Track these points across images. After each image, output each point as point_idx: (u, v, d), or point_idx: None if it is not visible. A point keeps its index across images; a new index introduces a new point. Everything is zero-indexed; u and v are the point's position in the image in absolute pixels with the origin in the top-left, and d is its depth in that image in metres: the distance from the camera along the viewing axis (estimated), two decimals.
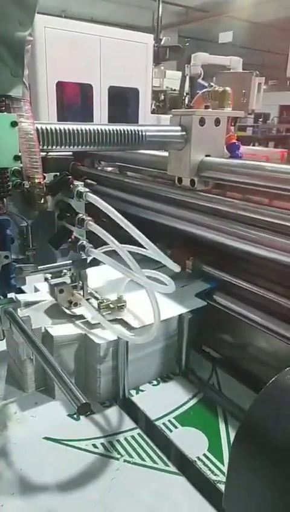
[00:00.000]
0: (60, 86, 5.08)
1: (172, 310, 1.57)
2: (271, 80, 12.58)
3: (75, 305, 1.56)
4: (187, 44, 7.22)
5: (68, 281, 1.58)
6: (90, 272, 1.66)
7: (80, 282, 1.56)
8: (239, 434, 0.72)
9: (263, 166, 1.51)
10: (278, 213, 1.46)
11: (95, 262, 1.74)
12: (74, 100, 5.56)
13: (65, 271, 1.58)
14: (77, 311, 1.55)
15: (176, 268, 1.50)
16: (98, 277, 1.74)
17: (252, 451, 0.69)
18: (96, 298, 1.58)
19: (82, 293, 1.57)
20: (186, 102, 7.05)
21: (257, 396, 0.73)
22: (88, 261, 1.56)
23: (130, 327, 1.47)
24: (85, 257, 1.49)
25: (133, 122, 5.72)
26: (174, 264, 1.47)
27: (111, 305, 1.53)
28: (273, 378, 0.73)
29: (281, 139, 10.61)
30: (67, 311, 1.55)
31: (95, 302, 1.56)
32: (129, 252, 1.32)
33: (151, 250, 1.36)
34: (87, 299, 1.58)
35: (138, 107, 5.80)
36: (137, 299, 1.57)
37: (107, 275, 1.75)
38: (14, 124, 1.14)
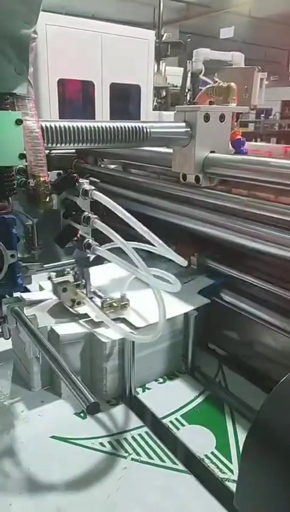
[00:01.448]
0: (62, 83, 5.07)
1: (177, 308, 1.55)
2: (273, 75, 12.52)
3: (78, 303, 1.54)
4: (189, 40, 7.16)
5: (71, 279, 1.57)
6: (94, 270, 1.64)
7: (83, 280, 1.55)
8: (251, 434, 0.71)
9: (268, 162, 1.50)
10: (284, 209, 1.45)
11: (98, 261, 1.73)
12: (76, 97, 5.54)
13: (68, 269, 1.57)
14: (80, 310, 1.54)
15: (183, 262, 1.49)
16: (101, 276, 1.73)
17: (264, 451, 0.68)
18: (100, 297, 1.57)
19: (85, 292, 1.56)
20: (188, 98, 7.01)
21: (269, 396, 0.73)
22: (91, 259, 1.55)
23: (133, 327, 1.46)
24: (88, 255, 1.48)
25: (135, 118, 5.69)
26: (181, 258, 1.46)
27: (114, 304, 1.52)
28: (284, 378, 0.72)
29: (283, 135, 10.55)
30: (71, 310, 1.54)
31: (98, 301, 1.54)
32: (135, 249, 1.32)
33: (158, 246, 1.35)
34: (91, 298, 1.56)
35: (140, 103, 5.78)
36: (141, 297, 1.57)
37: (111, 274, 1.74)
38: (19, 122, 1.13)
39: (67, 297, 1.54)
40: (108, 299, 1.53)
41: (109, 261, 1.40)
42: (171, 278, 1.51)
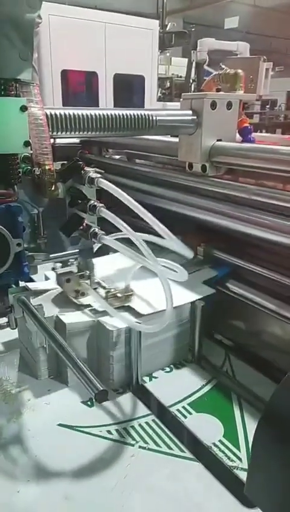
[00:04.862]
0: (65, 74, 5.03)
1: (183, 297, 1.54)
2: (278, 66, 12.36)
3: (82, 294, 1.54)
4: (193, 29, 7.09)
5: (75, 270, 1.56)
6: (99, 261, 1.63)
7: (87, 271, 1.55)
8: (262, 422, 0.71)
9: (277, 150, 1.48)
10: None
11: (102, 252, 1.73)
12: (79, 88, 5.51)
13: (72, 260, 1.57)
14: (84, 300, 1.54)
15: (190, 254, 1.46)
16: (106, 266, 1.72)
17: (276, 439, 0.67)
18: (104, 287, 1.56)
19: (89, 283, 1.55)
20: (192, 88, 6.96)
21: (280, 384, 0.72)
22: (95, 249, 1.54)
23: (138, 314, 1.46)
24: (91, 246, 1.46)
25: None
26: (188, 250, 1.44)
27: (118, 295, 1.52)
28: None
29: (288, 126, 10.45)
30: (75, 301, 1.53)
31: (102, 292, 1.54)
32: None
33: (165, 235, 1.31)
34: (95, 289, 1.56)
35: (144, 94, 5.74)
36: (146, 286, 1.56)
37: (116, 265, 1.73)
38: (23, 108, 1.11)
39: (70, 288, 1.54)
40: (112, 290, 1.52)
41: (115, 251, 1.39)
42: (177, 268, 1.50)
